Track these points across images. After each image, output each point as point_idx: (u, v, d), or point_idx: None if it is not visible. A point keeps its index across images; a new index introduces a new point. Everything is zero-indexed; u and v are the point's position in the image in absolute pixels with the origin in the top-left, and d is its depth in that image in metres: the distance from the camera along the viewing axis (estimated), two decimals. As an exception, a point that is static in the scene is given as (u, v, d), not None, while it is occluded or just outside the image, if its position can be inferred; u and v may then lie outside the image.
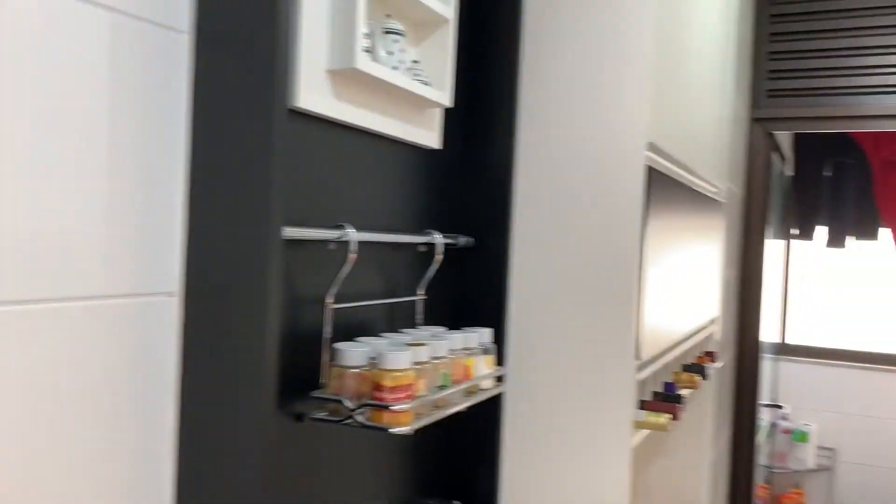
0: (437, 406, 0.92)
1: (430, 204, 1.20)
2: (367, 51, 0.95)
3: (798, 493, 4.01)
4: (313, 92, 0.87)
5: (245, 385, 0.79)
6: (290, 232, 0.82)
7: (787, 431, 3.98)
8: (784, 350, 4.17)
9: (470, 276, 1.21)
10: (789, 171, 3.84)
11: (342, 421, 0.88)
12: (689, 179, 1.62)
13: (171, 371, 0.82)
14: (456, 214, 1.26)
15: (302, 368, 0.93)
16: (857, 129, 3.37)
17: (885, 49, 2.31)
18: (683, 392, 1.57)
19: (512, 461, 1.25)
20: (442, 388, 0.92)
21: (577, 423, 1.21)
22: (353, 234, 0.90)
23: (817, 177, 3.83)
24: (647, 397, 1.41)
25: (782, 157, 3.48)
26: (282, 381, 0.88)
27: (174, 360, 0.82)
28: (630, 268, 1.20)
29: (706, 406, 2.06)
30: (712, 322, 2.05)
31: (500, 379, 1.14)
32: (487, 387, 1.06)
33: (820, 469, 4.00)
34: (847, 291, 4.23)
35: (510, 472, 1.25)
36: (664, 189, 1.35)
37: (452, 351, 0.97)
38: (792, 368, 4.10)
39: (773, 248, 3.66)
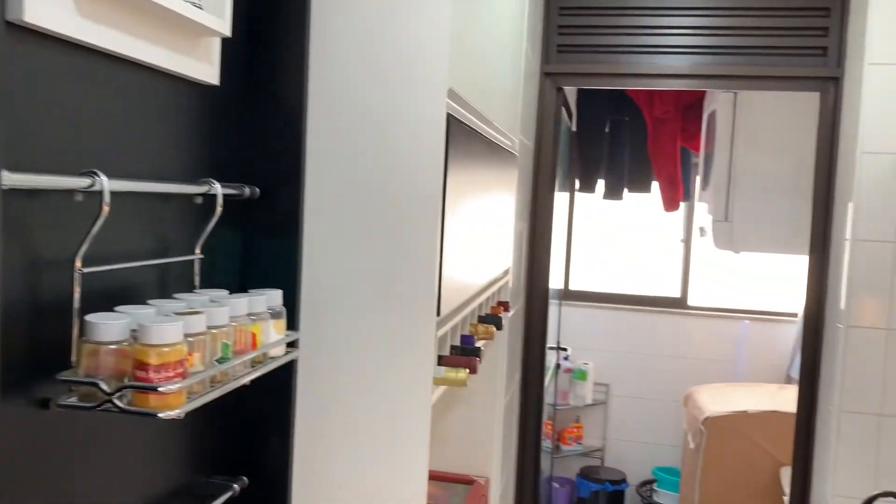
0: (216, 382, 0.81)
1: (209, 149, 1.05)
2: (122, -40, 0.78)
3: (578, 427, 4.33)
4: (46, 3, 0.69)
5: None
6: (14, 179, 0.65)
7: (569, 371, 4.26)
8: (567, 296, 4.44)
9: (257, 232, 1.09)
10: (574, 127, 4.03)
11: (97, 407, 0.73)
12: (487, 131, 1.59)
13: None
14: (240, 162, 1.13)
15: (46, 345, 0.77)
16: (635, 87, 3.59)
17: (664, 11, 2.43)
18: (480, 344, 1.57)
19: (306, 430, 1.16)
20: (222, 360, 0.80)
21: (376, 386, 1.15)
22: (105, 183, 0.75)
23: (598, 133, 4.05)
24: (445, 352, 1.38)
25: (569, 113, 3.63)
26: (16, 360, 0.72)
27: None
28: (431, 221, 1.14)
29: (500, 354, 2.10)
30: (506, 273, 2.07)
31: (293, 345, 1.04)
32: (278, 354, 0.95)
33: (596, 403, 4.34)
34: (622, 240, 4.58)
35: (304, 441, 1.16)
36: (463, 139, 1.30)
37: (235, 318, 0.85)
38: (573, 312, 4.37)
39: (559, 201, 3.83)
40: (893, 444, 2.12)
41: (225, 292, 0.92)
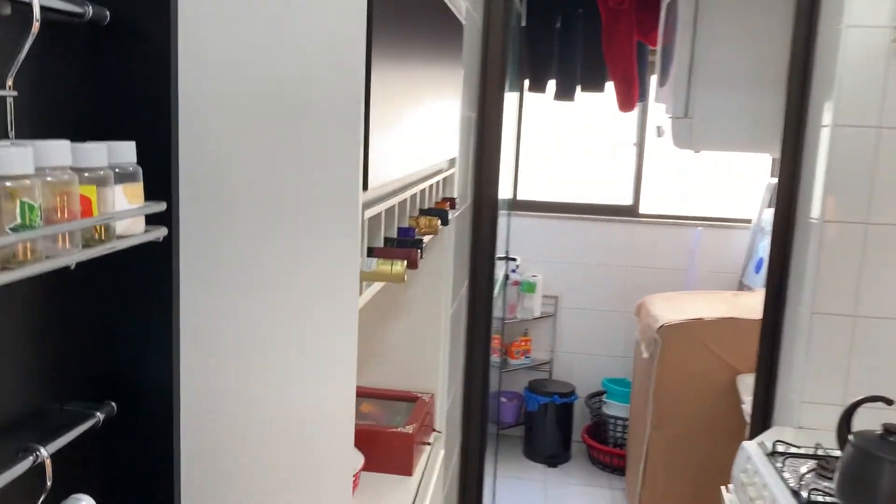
0: (15, 261, 0.53)
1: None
2: None
3: (526, 340, 4.18)
4: None
5: None
6: None
7: (517, 283, 4.08)
8: (515, 205, 4.21)
9: (107, 68, 0.79)
10: (523, 21, 3.71)
11: None
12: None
13: None
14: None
15: None
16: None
17: None
18: (422, 238, 1.32)
19: (193, 336, 0.89)
20: (22, 228, 0.53)
21: (289, 280, 0.88)
22: None
23: (549, 28, 3.75)
24: (379, 244, 1.12)
25: (518, 4, 3.31)
26: None
27: None
28: (354, 68, 0.86)
29: (445, 259, 1.85)
30: (452, 164, 1.81)
31: (165, 222, 0.76)
32: (134, 231, 0.68)
33: (544, 316, 4.19)
34: (573, 146, 4.34)
35: (193, 355, 0.90)
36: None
37: (50, 171, 0.57)
38: (521, 223, 4.16)
39: (508, 100, 3.54)
40: (867, 348, 1.98)
41: (65, 143, 0.63)
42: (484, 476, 2.58)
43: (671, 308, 3.29)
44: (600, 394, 4.13)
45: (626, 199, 4.21)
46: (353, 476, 1.50)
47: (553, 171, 4.37)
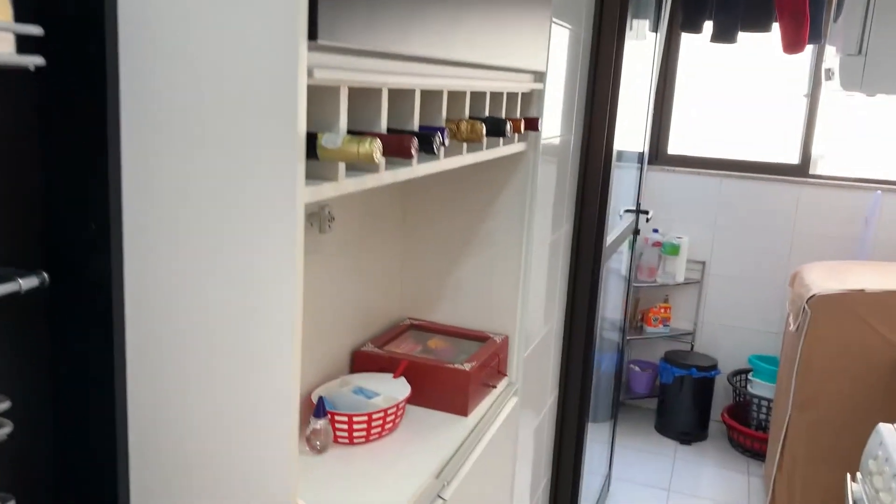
0: None
1: None
2: None
3: (665, 307, 3.87)
4: None
5: None
6: None
7: (658, 244, 3.77)
8: (660, 159, 3.88)
9: None
10: (679, -48, 3.35)
11: None
12: None
13: None
14: None
15: None
16: None
17: None
18: (451, 140, 1.16)
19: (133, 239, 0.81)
20: None
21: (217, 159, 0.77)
22: None
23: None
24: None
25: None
26: None
27: None
28: None
29: (527, 187, 1.68)
30: (535, 78, 1.62)
31: (40, 52, 0.68)
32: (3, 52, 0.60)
33: (689, 282, 3.85)
34: (733, 95, 3.91)
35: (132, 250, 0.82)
36: None
37: None
38: (667, 179, 3.83)
39: (649, 42, 3.24)
40: None
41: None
42: (585, 439, 2.39)
43: (830, 277, 2.86)
44: (746, 371, 3.74)
45: (793, 157, 3.74)
46: (396, 406, 1.40)
47: (708, 124, 3.97)
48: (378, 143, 0.82)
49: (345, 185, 0.87)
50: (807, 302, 2.71)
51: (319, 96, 0.84)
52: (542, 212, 1.86)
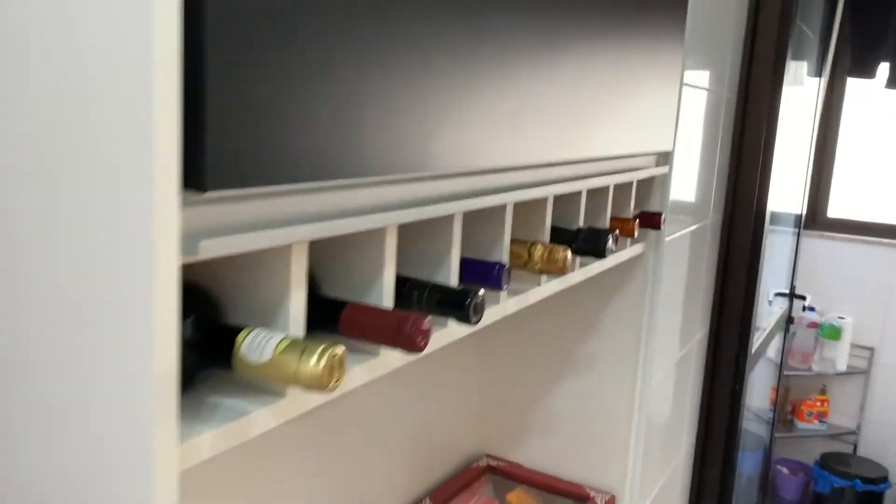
0: None
1: None
2: None
3: (823, 400, 3.24)
4: None
5: None
6: None
7: (814, 325, 3.16)
8: (819, 223, 3.29)
9: None
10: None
11: None
12: None
13: None
14: None
15: None
16: None
17: None
18: (522, 271, 0.78)
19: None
20: None
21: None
22: None
23: (886, -10, 2.79)
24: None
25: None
26: None
27: None
28: None
29: (643, 298, 1.26)
30: (662, 160, 1.21)
31: None
32: None
33: (852, 372, 3.21)
34: (912, 150, 3.27)
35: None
36: None
37: None
38: (827, 248, 3.23)
39: (809, 87, 2.71)
40: None
41: None
42: None
43: None
44: (926, 486, 3.05)
45: None
46: None
47: (879, 183, 3.34)
48: (337, 356, 0.45)
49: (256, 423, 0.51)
50: None
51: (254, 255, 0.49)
52: (667, 324, 1.43)
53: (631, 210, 1.13)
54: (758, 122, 1.64)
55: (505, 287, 0.71)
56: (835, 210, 3.31)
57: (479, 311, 0.62)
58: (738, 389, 1.75)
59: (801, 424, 3.23)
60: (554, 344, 1.34)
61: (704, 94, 1.39)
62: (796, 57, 2.44)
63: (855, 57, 2.87)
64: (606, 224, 1.03)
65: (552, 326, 1.33)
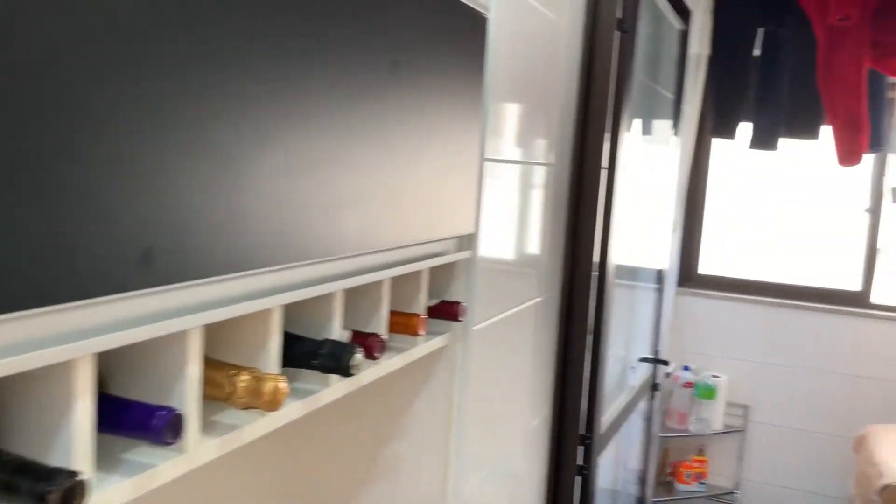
0: None
1: None
2: None
3: (701, 461, 3.20)
4: None
5: None
6: None
7: (689, 385, 3.14)
8: (690, 280, 3.29)
9: None
10: (705, 49, 2.87)
11: None
12: None
13: None
14: None
15: None
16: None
17: None
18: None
19: None
20: None
21: None
22: None
23: (744, 54, 2.85)
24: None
25: (683, 13, 2.50)
26: None
27: None
28: None
29: (443, 393, 1.13)
30: (465, 244, 1.09)
31: None
32: None
33: (729, 431, 3.19)
34: (778, 209, 3.34)
35: None
36: None
37: None
38: (698, 305, 3.23)
39: (674, 146, 2.72)
40: None
41: None
42: None
43: (907, 454, 2.21)
44: (803, 547, 3.03)
45: (854, 283, 3.12)
46: None
47: (749, 241, 3.39)
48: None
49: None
50: (878, 492, 2.06)
51: None
52: (488, 417, 1.30)
53: (422, 302, 1.00)
54: (592, 186, 1.56)
55: (171, 442, 0.55)
56: (706, 267, 3.33)
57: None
58: (587, 474, 1.64)
59: (680, 486, 3.17)
60: (357, 447, 1.19)
61: (519, 167, 1.29)
62: (654, 116, 2.44)
63: (715, 118, 2.91)
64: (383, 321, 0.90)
65: (350, 429, 1.18)
